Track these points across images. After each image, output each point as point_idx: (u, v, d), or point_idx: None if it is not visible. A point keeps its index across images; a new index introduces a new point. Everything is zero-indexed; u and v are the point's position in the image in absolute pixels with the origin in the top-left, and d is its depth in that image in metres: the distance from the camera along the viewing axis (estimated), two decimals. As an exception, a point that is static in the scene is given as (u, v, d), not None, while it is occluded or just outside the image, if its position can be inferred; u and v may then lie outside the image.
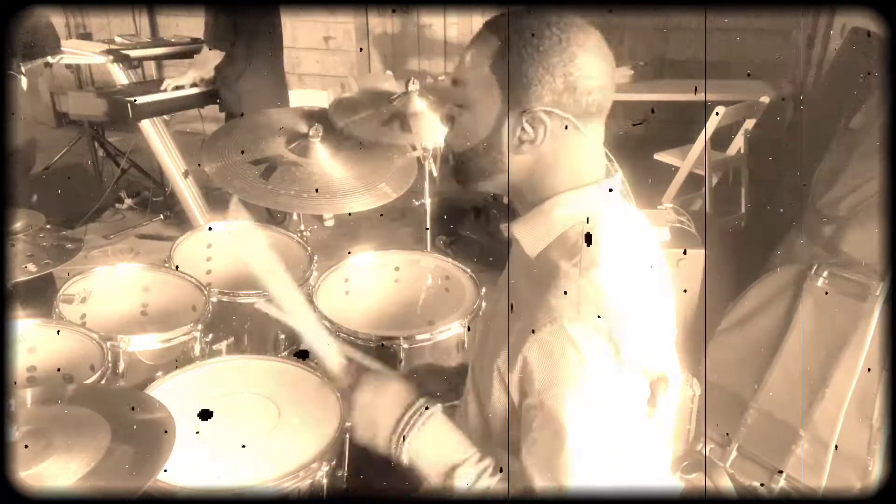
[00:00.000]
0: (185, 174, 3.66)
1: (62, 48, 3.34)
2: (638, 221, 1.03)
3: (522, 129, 0.91)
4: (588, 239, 0.91)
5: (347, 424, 1.36)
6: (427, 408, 0.99)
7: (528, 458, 0.89)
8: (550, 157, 0.93)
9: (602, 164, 0.98)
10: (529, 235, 0.97)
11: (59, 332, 1.58)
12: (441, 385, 1.27)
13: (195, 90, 3.49)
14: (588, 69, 0.89)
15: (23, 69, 2.67)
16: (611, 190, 0.96)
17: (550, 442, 0.85)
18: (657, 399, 0.92)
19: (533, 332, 0.86)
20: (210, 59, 3.26)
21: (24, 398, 1.14)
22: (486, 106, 0.93)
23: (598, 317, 0.85)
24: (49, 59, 3.29)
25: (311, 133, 2.05)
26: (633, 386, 0.89)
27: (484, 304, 1.81)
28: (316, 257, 2.05)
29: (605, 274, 0.88)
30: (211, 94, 3.51)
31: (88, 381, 1.45)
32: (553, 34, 0.88)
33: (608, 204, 0.96)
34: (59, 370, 1.58)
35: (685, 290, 2.20)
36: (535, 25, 0.89)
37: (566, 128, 0.90)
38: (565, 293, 0.87)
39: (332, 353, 1.11)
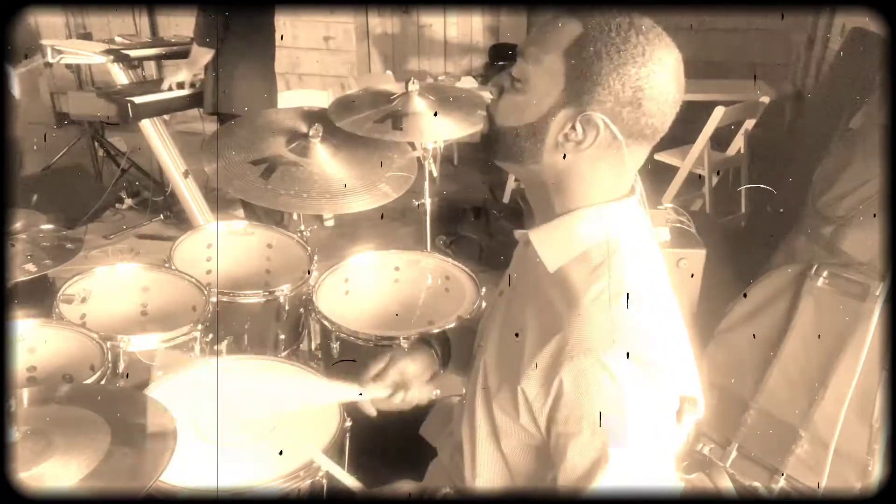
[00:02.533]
0: (185, 174, 3.65)
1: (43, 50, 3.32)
2: (651, 232, 1.00)
3: (573, 128, 0.86)
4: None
5: (347, 424, 1.36)
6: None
7: (564, 482, 0.87)
8: (587, 166, 0.89)
9: (630, 182, 0.95)
10: (549, 248, 0.93)
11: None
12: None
13: (194, 90, 3.48)
14: (659, 90, 0.85)
15: (11, 72, 2.67)
16: (634, 205, 0.94)
17: (591, 467, 0.84)
18: (683, 417, 0.91)
19: (565, 360, 0.84)
20: (200, 55, 3.25)
21: (21, 398, 1.14)
22: (544, 90, 0.87)
23: (634, 344, 0.83)
24: (49, 59, 3.29)
25: (311, 133, 2.05)
26: (669, 407, 0.88)
27: (484, 303, 1.81)
28: (316, 257, 2.05)
29: (636, 300, 0.86)
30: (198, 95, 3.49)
31: (88, 381, 1.45)
32: (639, 42, 0.83)
33: (631, 221, 0.93)
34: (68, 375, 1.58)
35: (685, 291, 2.20)
36: (623, 27, 0.84)
37: (615, 142, 0.86)
38: (596, 321, 0.84)
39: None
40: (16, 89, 2.83)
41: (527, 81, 0.89)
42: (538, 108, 0.88)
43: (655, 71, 0.84)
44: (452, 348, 1.27)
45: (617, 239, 0.91)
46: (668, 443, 0.89)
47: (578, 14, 0.86)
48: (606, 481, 0.83)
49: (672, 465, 0.90)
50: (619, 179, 0.93)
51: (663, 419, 0.87)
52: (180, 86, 3.44)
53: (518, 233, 1.02)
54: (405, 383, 1.18)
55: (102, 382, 1.46)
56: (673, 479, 0.89)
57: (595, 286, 0.87)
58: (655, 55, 0.84)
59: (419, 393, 1.19)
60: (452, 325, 1.70)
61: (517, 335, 0.94)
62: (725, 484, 1.99)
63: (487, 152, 0.95)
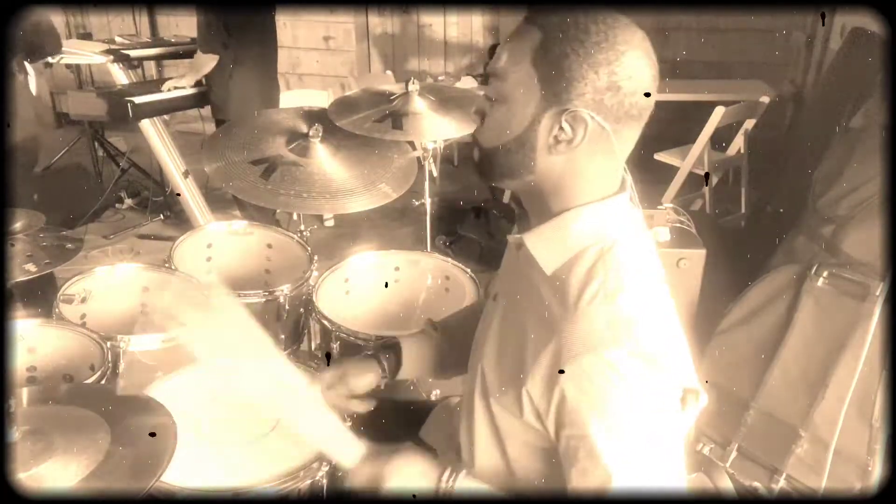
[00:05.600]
0: (185, 174, 3.66)
1: (63, 49, 3.34)
2: (645, 227, 1.00)
3: (560, 128, 0.87)
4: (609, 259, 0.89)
5: (347, 424, 1.36)
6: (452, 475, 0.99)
7: (578, 485, 0.86)
8: (584, 162, 0.90)
9: (621, 170, 0.95)
10: (545, 250, 0.93)
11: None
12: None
13: (194, 90, 3.49)
14: (633, 69, 0.85)
15: (30, 69, 2.67)
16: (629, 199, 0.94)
17: (602, 468, 0.84)
18: (686, 409, 0.91)
19: (568, 362, 0.84)
20: (204, 62, 3.24)
21: (21, 398, 1.14)
22: (523, 101, 0.88)
23: (635, 340, 0.83)
24: (49, 59, 3.29)
25: (311, 133, 2.05)
26: (673, 402, 0.88)
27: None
28: (316, 257, 2.05)
29: (634, 297, 0.86)
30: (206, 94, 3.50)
31: (88, 380, 1.45)
32: (600, 31, 0.85)
33: (625, 217, 0.93)
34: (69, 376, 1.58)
35: (685, 291, 2.20)
36: (581, 20, 0.86)
37: (604, 132, 0.87)
38: (596, 320, 0.85)
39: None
40: (33, 86, 2.82)
41: (504, 98, 0.91)
42: (522, 119, 0.89)
43: (623, 52, 0.85)
44: (443, 349, 1.29)
45: (612, 236, 0.91)
46: (676, 435, 0.89)
47: (536, 20, 0.89)
48: (621, 481, 0.83)
49: (682, 457, 0.89)
50: (614, 168, 0.93)
51: (670, 412, 0.88)
52: (180, 88, 3.44)
53: (512, 237, 1.01)
54: (348, 396, 1.23)
55: (102, 382, 1.46)
56: (684, 473, 0.89)
57: (591, 285, 0.87)
58: (619, 37, 0.85)
59: (356, 405, 1.24)
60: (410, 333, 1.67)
61: (517, 339, 0.94)
62: (725, 484, 1.99)
63: (484, 176, 0.97)
